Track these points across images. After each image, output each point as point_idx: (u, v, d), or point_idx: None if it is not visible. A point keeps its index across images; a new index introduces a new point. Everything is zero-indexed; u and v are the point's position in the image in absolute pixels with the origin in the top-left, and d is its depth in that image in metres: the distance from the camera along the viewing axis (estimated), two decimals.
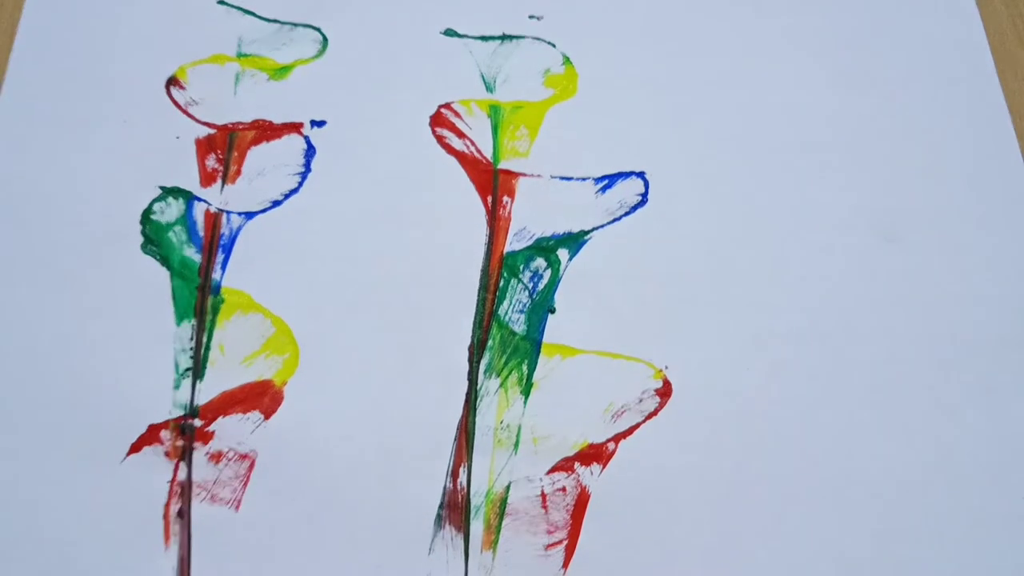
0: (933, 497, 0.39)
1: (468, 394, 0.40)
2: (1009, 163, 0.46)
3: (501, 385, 0.40)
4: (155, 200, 0.44)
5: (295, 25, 0.49)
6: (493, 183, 0.45)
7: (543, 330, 0.42)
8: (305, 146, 0.46)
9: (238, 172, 0.45)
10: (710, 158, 0.46)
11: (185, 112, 0.46)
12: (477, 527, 0.38)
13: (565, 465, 0.39)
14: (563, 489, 0.38)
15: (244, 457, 0.39)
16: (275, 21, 0.49)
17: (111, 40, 0.48)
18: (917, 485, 0.39)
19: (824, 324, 0.42)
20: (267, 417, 0.39)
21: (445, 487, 0.38)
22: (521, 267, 0.43)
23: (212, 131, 0.46)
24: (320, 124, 0.46)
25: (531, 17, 0.49)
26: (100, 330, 0.41)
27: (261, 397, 0.40)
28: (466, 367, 0.41)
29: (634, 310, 0.42)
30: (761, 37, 0.49)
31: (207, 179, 0.44)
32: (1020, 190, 0.46)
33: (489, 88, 0.47)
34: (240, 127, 0.46)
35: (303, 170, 0.45)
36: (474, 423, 0.39)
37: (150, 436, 0.39)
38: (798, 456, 0.39)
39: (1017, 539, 0.38)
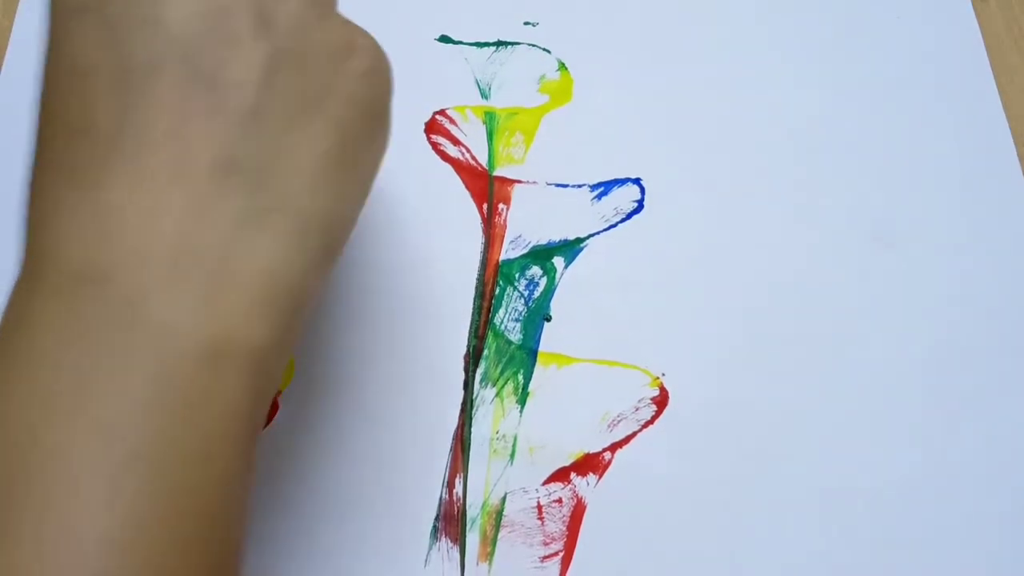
0: (931, 503, 0.39)
1: (464, 403, 0.40)
2: (1006, 167, 0.46)
3: (497, 394, 0.40)
4: None
5: None
6: (488, 190, 0.45)
7: (539, 339, 0.41)
8: None
9: None
10: (707, 164, 0.46)
11: None
12: (473, 539, 0.37)
13: (561, 475, 0.39)
14: (559, 500, 0.38)
15: None
16: None
17: None
18: (916, 491, 0.39)
19: (823, 330, 0.42)
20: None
21: (440, 498, 0.38)
22: (517, 275, 0.43)
23: None
24: None
25: (526, 23, 0.49)
26: None
27: None
28: (461, 376, 0.40)
29: (630, 317, 0.42)
30: (757, 42, 0.49)
31: None
32: (1017, 194, 0.45)
33: (484, 94, 0.47)
34: None
35: None
36: (470, 433, 0.39)
37: None
38: (796, 463, 0.39)
39: (1014, 544, 0.38)
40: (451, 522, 0.38)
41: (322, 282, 0.27)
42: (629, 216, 0.44)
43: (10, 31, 0.47)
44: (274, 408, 0.40)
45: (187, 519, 0.22)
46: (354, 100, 0.27)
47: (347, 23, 0.28)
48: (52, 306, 0.23)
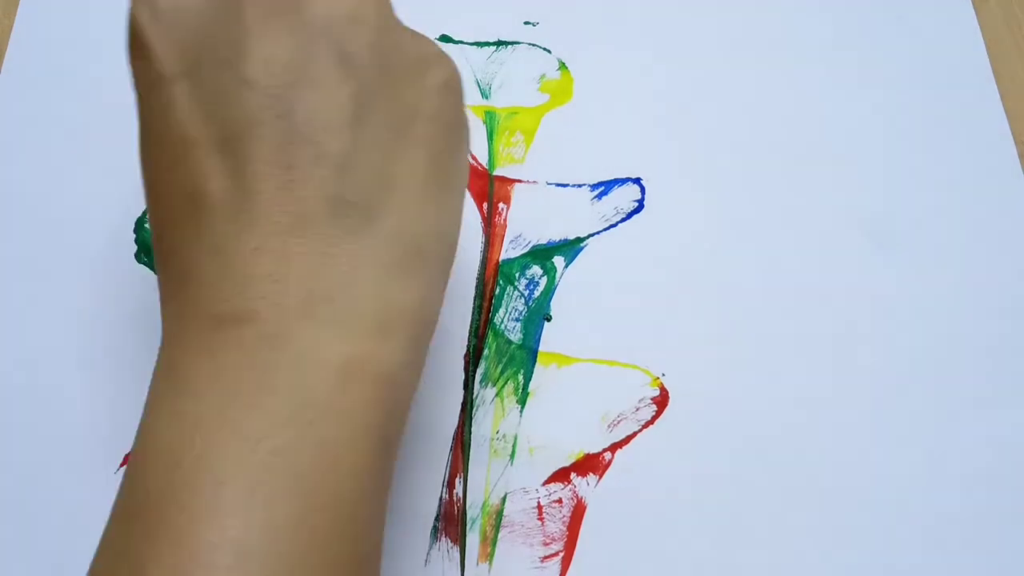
0: (932, 503, 0.39)
1: (464, 403, 0.40)
2: (1006, 167, 0.46)
3: (497, 394, 0.40)
4: None
5: None
6: (489, 189, 0.45)
7: (539, 338, 0.41)
8: None
9: None
10: (706, 164, 0.46)
11: None
12: (473, 539, 0.37)
13: (561, 475, 0.39)
14: (559, 500, 0.38)
15: None
16: None
17: (105, 45, 0.48)
18: (916, 491, 0.39)
19: (822, 329, 0.42)
20: None
21: (441, 498, 0.38)
22: (517, 274, 0.43)
23: None
24: None
25: (526, 23, 0.49)
26: (93, 339, 0.41)
27: None
28: (461, 376, 0.40)
29: (631, 317, 0.42)
30: (757, 42, 0.49)
31: None
32: (1017, 194, 0.45)
33: (484, 94, 0.47)
34: None
35: None
36: (470, 433, 0.39)
37: None
38: (797, 464, 0.39)
39: (1014, 543, 0.38)
40: (451, 522, 0.38)
41: (441, 297, 0.29)
42: (629, 216, 0.44)
43: (10, 30, 0.47)
44: None
45: (319, 518, 0.24)
46: (437, 116, 0.28)
47: (414, 36, 0.29)
48: (196, 349, 0.25)
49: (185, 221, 0.26)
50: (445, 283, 0.29)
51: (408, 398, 0.28)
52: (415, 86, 0.28)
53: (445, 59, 0.29)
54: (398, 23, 0.29)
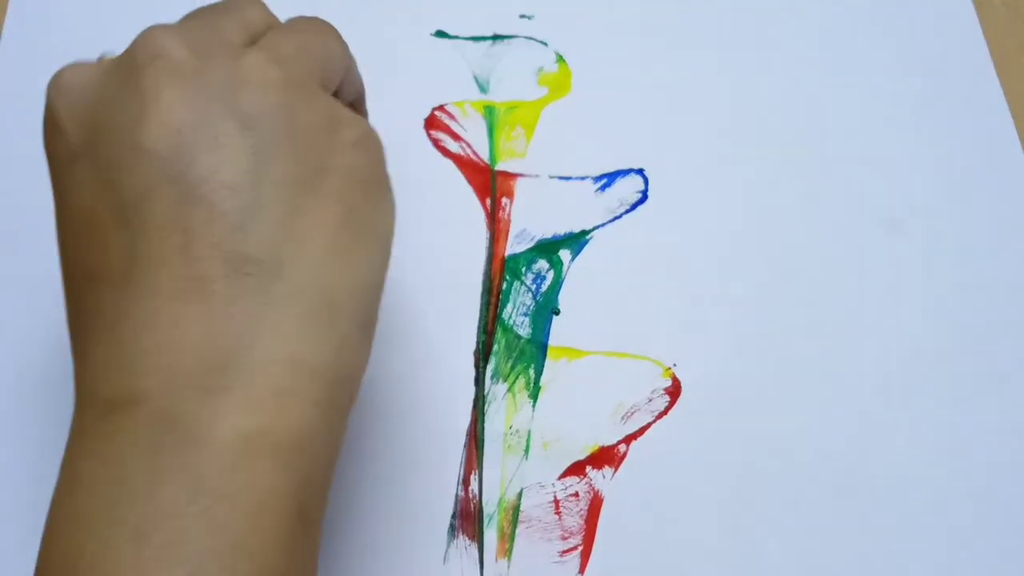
0: (946, 490, 0.39)
1: (476, 400, 0.40)
2: (1009, 165, 0.46)
3: (508, 390, 0.40)
4: None
5: None
6: (491, 185, 0.44)
7: (548, 332, 0.41)
8: None
9: None
10: (709, 153, 0.46)
11: None
12: (491, 535, 0.37)
13: (577, 469, 0.38)
14: (575, 494, 0.38)
15: None
16: None
17: (102, 43, 0.47)
18: (930, 478, 0.39)
19: (831, 316, 0.42)
20: None
21: (456, 496, 0.38)
22: (523, 269, 0.42)
23: None
24: None
25: (522, 16, 0.49)
26: None
27: None
28: (472, 372, 0.40)
29: (639, 308, 0.42)
30: (757, 31, 0.49)
31: None
32: (1021, 182, 0.46)
33: (483, 89, 0.47)
34: None
35: None
36: (483, 429, 0.39)
37: None
38: (810, 450, 0.39)
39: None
40: (468, 519, 0.37)
41: (362, 355, 0.28)
42: (634, 207, 0.44)
43: (1, 29, 0.47)
44: None
45: None
46: (350, 171, 0.27)
47: (329, 100, 0.28)
48: (92, 439, 0.25)
49: (85, 298, 0.26)
50: (366, 340, 0.28)
51: (325, 463, 0.27)
52: (325, 143, 0.27)
53: (360, 121, 0.28)
54: (309, 87, 0.28)
